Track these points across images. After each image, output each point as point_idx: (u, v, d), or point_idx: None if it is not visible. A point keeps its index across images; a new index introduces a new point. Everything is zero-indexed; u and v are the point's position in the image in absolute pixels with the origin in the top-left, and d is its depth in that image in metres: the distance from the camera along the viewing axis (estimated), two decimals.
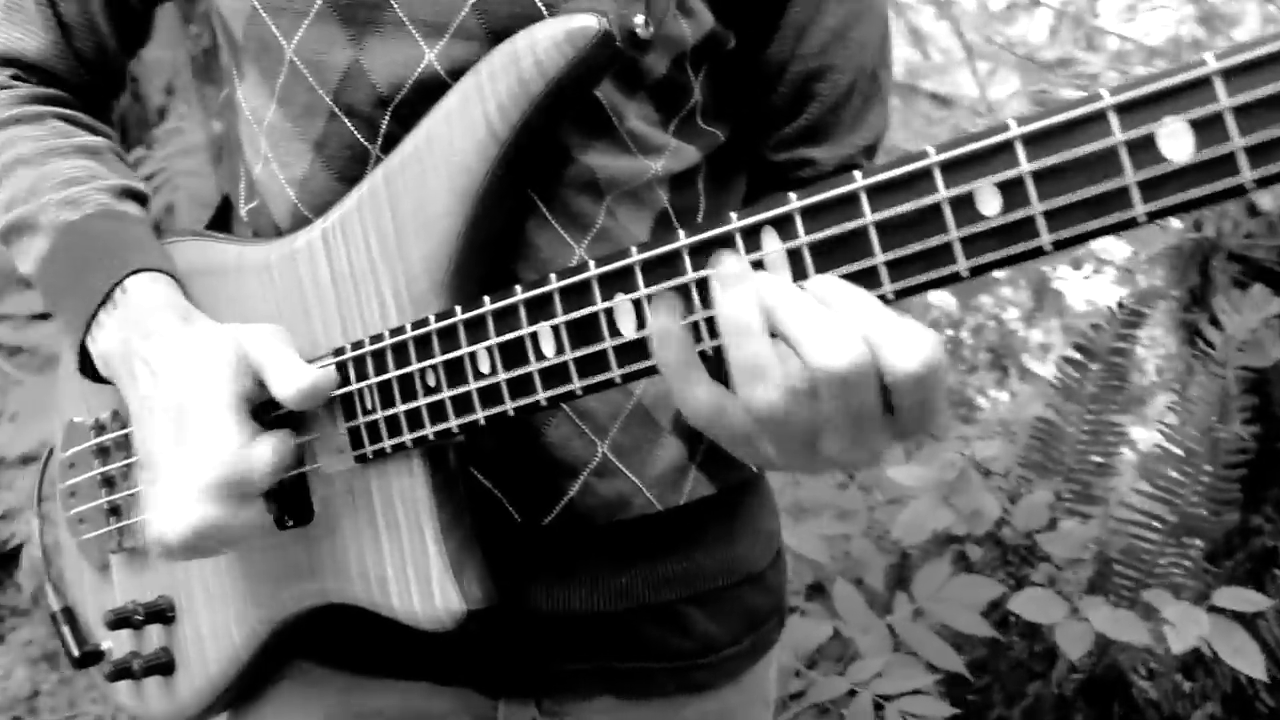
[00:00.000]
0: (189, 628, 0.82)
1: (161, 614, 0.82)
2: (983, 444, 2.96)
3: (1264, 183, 0.43)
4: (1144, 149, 0.45)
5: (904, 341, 0.49)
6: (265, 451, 0.67)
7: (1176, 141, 0.44)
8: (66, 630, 0.88)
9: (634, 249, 0.58)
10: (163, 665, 0.83)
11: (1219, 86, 0.43)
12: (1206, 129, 0.44)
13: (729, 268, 0.53)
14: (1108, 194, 0.46)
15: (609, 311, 0.58)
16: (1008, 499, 2.23)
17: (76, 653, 0.87)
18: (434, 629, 0.70)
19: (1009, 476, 2.32)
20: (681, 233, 0.56)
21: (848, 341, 0.50)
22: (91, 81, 0.87)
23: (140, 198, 0.83)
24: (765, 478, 0.91)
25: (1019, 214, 0.48)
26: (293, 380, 0.67)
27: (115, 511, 0.84)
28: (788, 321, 0.51)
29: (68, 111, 0.85)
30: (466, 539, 0.70)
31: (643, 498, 0.78)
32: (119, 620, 0.82)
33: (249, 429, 0.68)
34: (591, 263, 0.59)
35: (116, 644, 0.87)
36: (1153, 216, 0.46)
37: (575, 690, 0.82)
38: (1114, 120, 0.45)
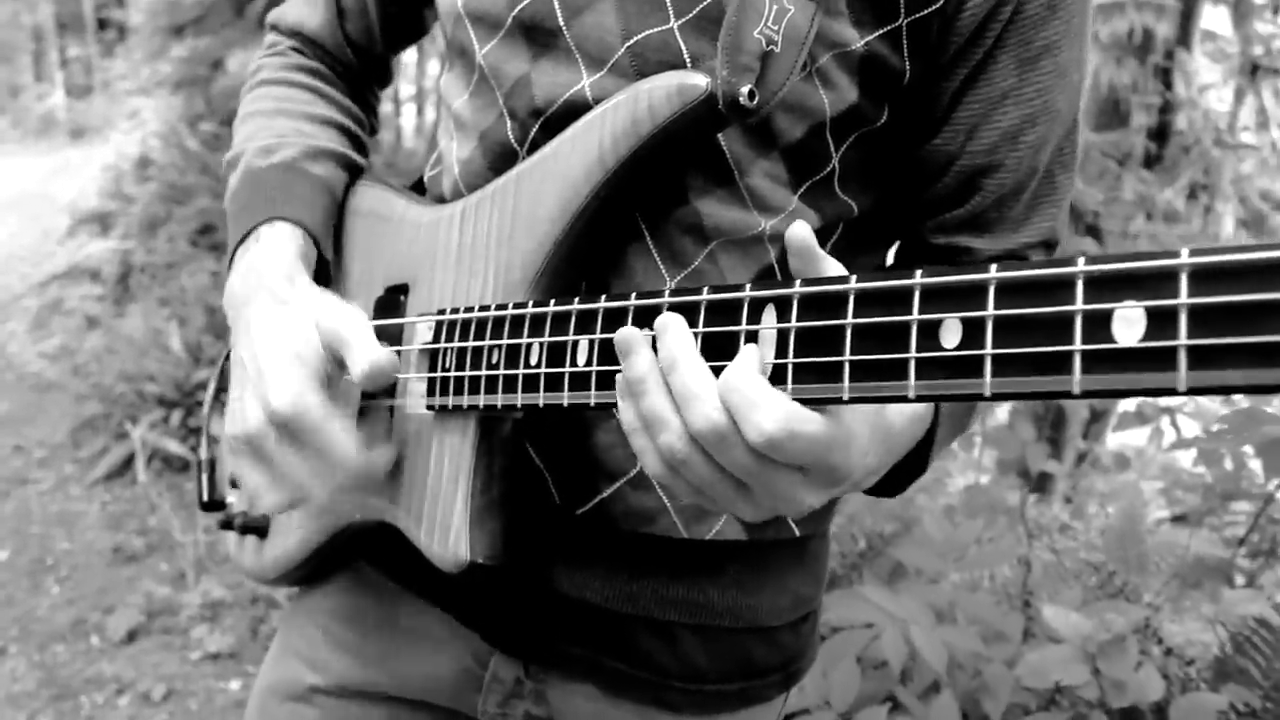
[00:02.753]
0: None
1: None
2: (1194, 624, 2.69)
3: (1194, 391, 0.42)
4: (1098, 325, 0.45)
5: (754, 414, 0.54)
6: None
7: (1130, 327, 0.44)
8: (204, 478, 1.04)
9: (666, 293, 0.63)
10: (259, 529, 0.97)
11: (1183, 283, 0.43)
12: (1159, 321, 0.43)
13: (626, 333, 0.60)
14: (1053, 356, 0.46)
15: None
16: (1179, 688, 2.02)
17: (205, 498, 1.03)
18: (443, 568, 0.78)
19: (1193, 665, 2.10)
20: (705, 290, 0.61)
21: (708, 410, 0.55)
22: (357, 63, 1.03)
23: (339, 159, 0.96)
24: (816, 542, 0.93)
25: (971, 353, 0.49)
26: (366, 357, 0.74)
27: None
28: (674, 386, 0.58)
29: (320, 85, 1.00)
30: (492, 503, 0.78)
31: (668, 519, 0.83)
32: (235, 481, 0.98)
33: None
34: (633, 295, 0.65)
35: (238, 501, 1.02)
36: (1087, 394, 0.45)
37: (563, 669, 0.88)
38: (1079, 289, 0.46)
